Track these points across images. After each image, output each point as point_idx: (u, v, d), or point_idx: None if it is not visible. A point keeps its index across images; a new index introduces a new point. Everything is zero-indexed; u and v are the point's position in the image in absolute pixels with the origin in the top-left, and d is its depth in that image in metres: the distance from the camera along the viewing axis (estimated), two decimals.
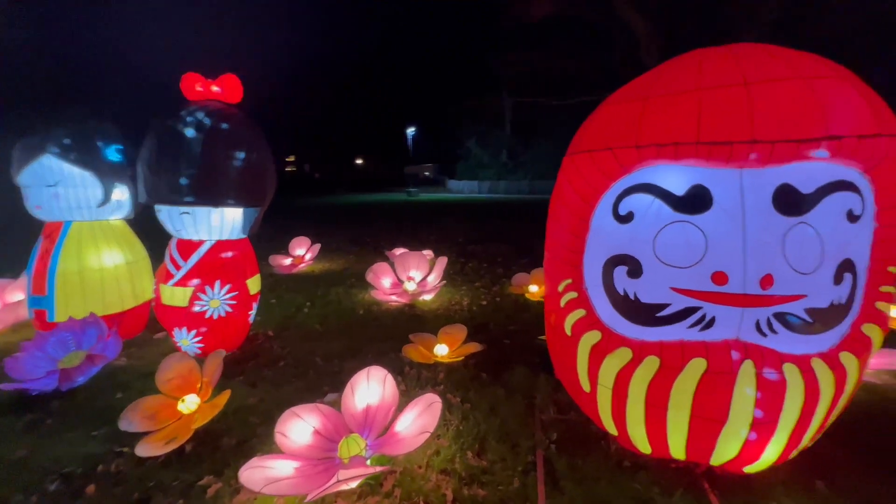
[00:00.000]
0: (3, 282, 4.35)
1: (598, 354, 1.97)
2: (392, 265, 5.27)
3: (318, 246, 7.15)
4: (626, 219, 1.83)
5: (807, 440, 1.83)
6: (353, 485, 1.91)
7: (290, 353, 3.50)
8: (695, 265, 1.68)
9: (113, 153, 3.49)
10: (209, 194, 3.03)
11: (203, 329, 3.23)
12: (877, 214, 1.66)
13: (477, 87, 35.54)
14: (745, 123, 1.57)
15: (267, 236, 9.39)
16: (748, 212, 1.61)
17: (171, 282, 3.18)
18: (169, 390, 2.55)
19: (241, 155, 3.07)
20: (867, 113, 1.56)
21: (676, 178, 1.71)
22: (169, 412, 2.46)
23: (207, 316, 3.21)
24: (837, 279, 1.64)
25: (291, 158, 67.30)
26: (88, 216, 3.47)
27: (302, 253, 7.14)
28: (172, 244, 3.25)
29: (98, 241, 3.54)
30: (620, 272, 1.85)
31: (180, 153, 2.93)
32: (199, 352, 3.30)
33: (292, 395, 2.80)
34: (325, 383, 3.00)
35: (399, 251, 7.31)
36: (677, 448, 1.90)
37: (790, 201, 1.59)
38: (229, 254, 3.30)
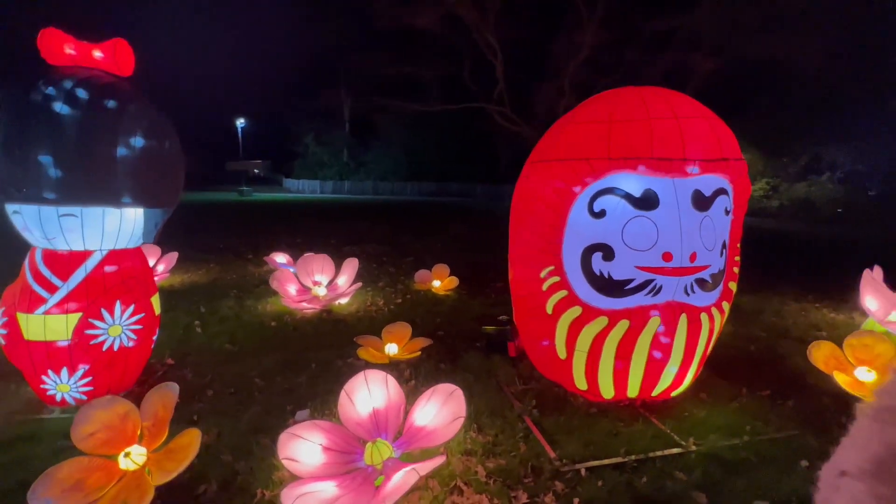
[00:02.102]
0: None
1: (577, 326, 2.43)
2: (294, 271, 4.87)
3: (174, 255, 5.93)
4: (599, 215, 2.33)
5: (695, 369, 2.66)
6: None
7: (214, 380, 2.97)
8: (650, 248, 2.27)
9: None
10: (110, 190, 2.36)
11: (92, 367, 2.48)
12: (734, 210, 2.55)
13: (313, 83, 33.76)
14: (679, 146, 2.22)
15: None
16: (680, 209, 2.27)
17: (42, 309, 2.34)
18: (93, 448, 1.94)
19: (151, 141, 2.49)
20: (734, 143, 2.40)
21: (635, 183, 2.28)
22: (102, 474, 1.89)
23: (106, 348, 2.48)
24: (720, 253, 2.47)
25: None
26: None
27: (152, 264, 5.81)
28: (37, 258, 2.40)
29: None
30: (597, 257, 2.34)
31: (77, 138, 2.22)
32: (83, 398, 2.52)
33: (256, 422, 2.46)
34: (283, 402, 2.70)
35: (279, 256, 6.70)
36: (633, 388, 2.51)
37: (700, 201, 2.32)
38: (127, 266, 2.62)
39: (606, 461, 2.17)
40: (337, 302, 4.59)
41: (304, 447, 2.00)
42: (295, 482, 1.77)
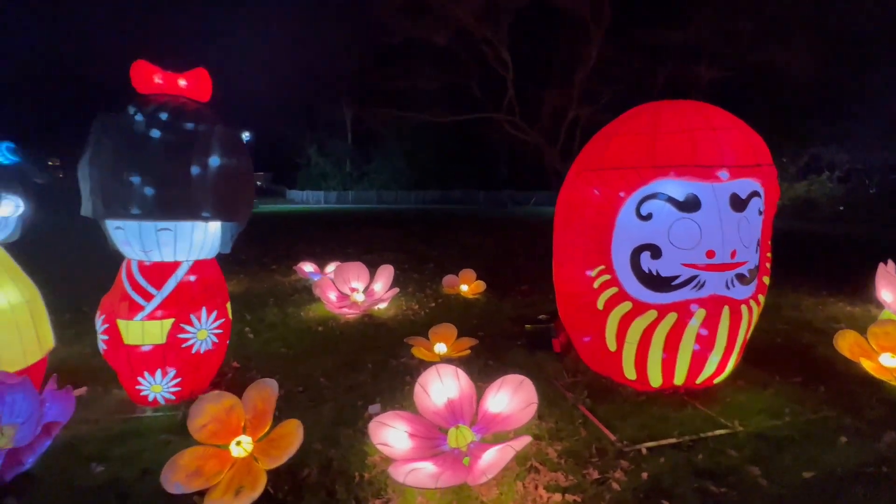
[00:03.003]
0: None
1: (627, 320, 2.65)
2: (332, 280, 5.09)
3: None
4: (646, 218, 2.56)
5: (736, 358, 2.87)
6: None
7: (282, 381, 3.15)
8: (695, 247, 2.50)
9: (2, 153, 2.58)
10: (194, 205, 2.59)
11: (181, 369, 2.70)
12: (765, 211, 2.79)
13: (315, 96, 34.20)
14: (718, 154, 2.46)
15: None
16: (720, 210, 2.51)
17: (140, 315, 2.57)
18: (205, 438, 2.15)
19: (234, 161, 2.73)
20: (765, 150, 2.65)
21: (678, 189, 2.52)
22: (216, 462, 2.09)
23: (194, 351, 2.70)
24: (755, 250, 2.70)
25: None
26: None
27: None
28: (133, 269, 2.62)
29: None
30: (646, 256, 2.57)
31: (168, 158, 2.46)
32: (172, 398, 2.73)
33: (333, 415, 2.67)
34: (352, 398, 2.91)
35: (306, 265, 6.93)
36: (680, 376, 2.72)
37: (737, 203, 2.56)
38: (210, 275, 2.84)
39: (664, 441, 2.38)
40: (376, 307, 4.80)
41: (392, 434, 2.22)
42: (396, 463, 1.97)
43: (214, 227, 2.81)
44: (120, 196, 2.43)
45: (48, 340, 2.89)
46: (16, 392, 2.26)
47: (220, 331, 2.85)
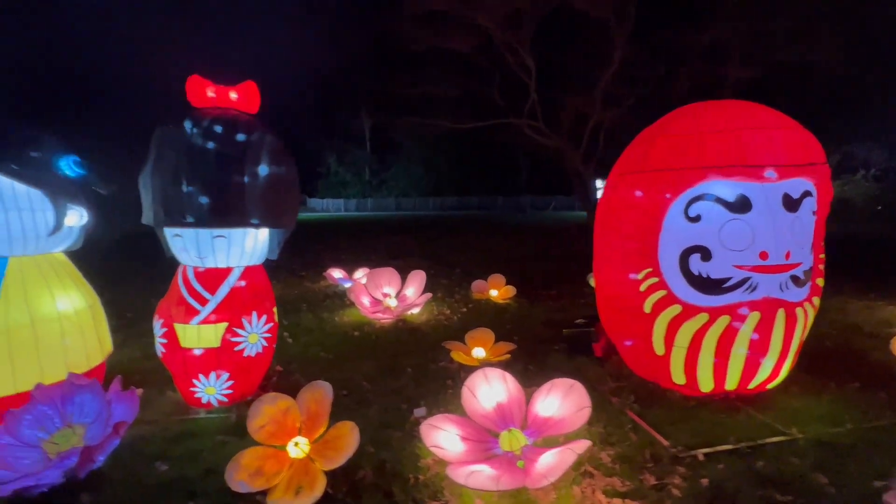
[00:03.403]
0: None
1: (676, 323, 2.61)
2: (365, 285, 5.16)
3: None
4: (695, 219, 2.53)
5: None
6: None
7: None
8: (747, 248, 2.46)
9: (69, 166, 2.72)
10: (244, 213, 2.68)
11: (233, 372, 2.78)
12: (818, 211, 2.72)
13: (333, 105, 34.89)
14: (769, 154, 2.42)
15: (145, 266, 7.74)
16: (773, 211, 2.45)
17: (197, 319, 2.66)
18: (263, 438, 2.21)
19: (282, 170, 2.82)
20: (819, 149, 2.59)
21: (728, 189, 2.48)
22: (275, 462, 2.15)
23: (245, 354, 2.78)
24: (809, 251, 2.62)
25: None
26: (33, 249, 2.61)
27: None
28: (189, 275, 2.72)
29: (49, 280, 2.68)
30: (695, 258, 2.53)
31: (222, 169, 2.56)
32: (225, 400, 2.81)
33: (380, 418, 2.70)
34: (396, 402, 2.94)
35: (335, 271, 7.04)
36: (732, 381, 2.66)
37: (790, 203, 2.50)
38: (259, 280, 2.93)
39: (720, 448, 2.32)
40: (409, 312, 4.84)
41: (444, 436, 2.23)
42: (452, 465, 1.98)
43: (263, 233, 2.90)
44: (179, 205, 2.54)
45: (107, 344, 3.02)
46: (85, 393, 2.38)
47: (269, 335, 2.93)
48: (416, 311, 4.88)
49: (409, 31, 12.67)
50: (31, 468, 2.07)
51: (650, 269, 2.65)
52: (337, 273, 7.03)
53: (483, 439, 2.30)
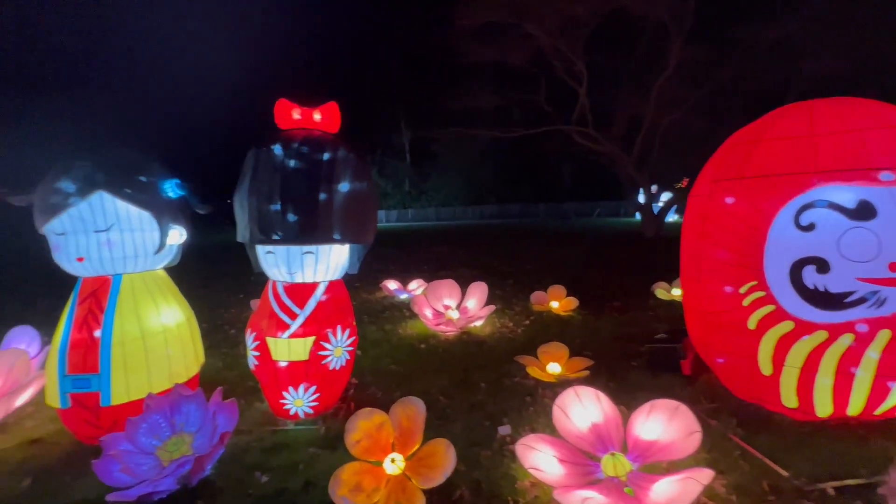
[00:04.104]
0: None
1: (787, 341, 2.40)
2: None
3: None
4: (808, 228, 2.32)
5: None
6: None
7: (402, 397, 3.23)
8: (873, 259, 2.22)
9: (172, 188, 2.91)
10: (328, 229, 2.75)
11: (320, 385, 2.84)
12: None
13: (373, 119, 35.93)
14: (894, 155, 2.19)
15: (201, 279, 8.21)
16: None
17: (287, 333, 2.75)
18: (359, 453, 2.23)
19: (363, 186, 2.88)
20: None
21: (847, 195, 2.26)
22: (372, 478, 2.15)
23: (331, 367, 2.84)
24: None
25: None
26: (141, 266, 2.81)
27: None
28: (279, 290, 2.83)
29: (155, 295, 2.87)
30: (810, 270, 2.32)
31: (311, 187, 2.65)
32: (311, 412, 2.87)
33: (465, 436, 2.66)
34: (478, 418, 2.88)
35: (390, 283, 7.13)
36: (856, 406, 2.40)
37: None
38: (341, 295, 2.99)
39: (850, 482, 2.09)
40: (472, 324, 4.80)
41: (541, 458, 2.15)
42: (560, 490, 1.90)
43: (345, 248, 2.97)
44: (271, 223, 2.64)
45: (201, 355, 3.18)
46: (191, 403, 2.50)
47: (351, 348, 2.98)
48: (479, 323, 4.83)
49: (457, 44, 12.81)
50: (148, 474, 2.19)
51: (754, 283, 2.46)
52: (392, 284, 7.12)
53: (581, 462, 2.20)
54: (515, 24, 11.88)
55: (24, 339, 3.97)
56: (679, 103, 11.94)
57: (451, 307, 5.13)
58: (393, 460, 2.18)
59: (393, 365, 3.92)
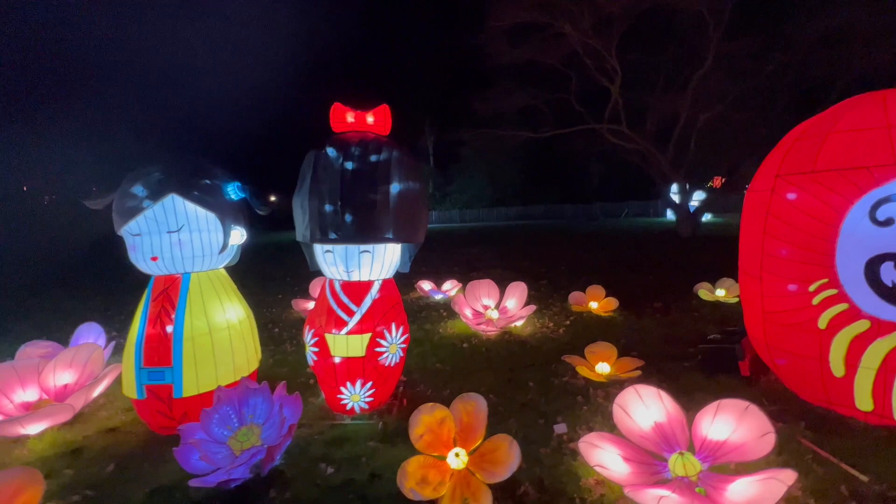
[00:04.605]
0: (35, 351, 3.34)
1: (862, 341, 2.31)
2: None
3: None
4: (885, 223, 2.23)
5: None
6: None
7: (451, 396, 3.26)
8: None
9: (234, 191, 3.04)
10: (381, 229, 2.81)
11: (376, 381, 2.90)
12: None
13: (397, 121, 36.22)
14: None
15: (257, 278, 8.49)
16: None
17: (345, 330, 2.83)
18: (423, 447, 2.27)
19: (418, 187, 2.94)
20: None
21: None
22: (436, 471, 2.19)
23: (387, 364, 2.90)
24: None
25: None
26: (207, 265, 2.95)
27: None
28: (336, 288, 2.91)
29: (219, 293, 3.01)
30: (888, 267, 2.23)
31: (367, 188, 2.72)
32: (366, 407, 2.94)
33: (523, 433, 2.66)
34: (531, 417, 2.89)
35: (425, 283, 7.19)
36: None
37: None
38: (393, 293, 3.05)
39: None
40: (512, 324, 4.79)
41: (606, 456, 2.14)
42: (630, 488, 1.89)
43: (398, 247, 3.03)
44: (331, 223, 2.73)
45: (258, 351, 3.31)
46: (257, 396, 2.60)
47: (404, 345, 3.04)
48: (519, 323, 4.82)
49: (487, 45, 12.80)
50: (223, 463, 2.29)
51: (825, 280, 2.38)
52: (426, 285, 7.18)
53: (646, 461, 2.18)
54: (547, 24, 11.76)
55: (91, 334, 4.22)
56: (717, 99, 11.53)
57: (490, 307, 5.14)
58: (457, 455, 2.21)
59: (438, 363, 3.96)
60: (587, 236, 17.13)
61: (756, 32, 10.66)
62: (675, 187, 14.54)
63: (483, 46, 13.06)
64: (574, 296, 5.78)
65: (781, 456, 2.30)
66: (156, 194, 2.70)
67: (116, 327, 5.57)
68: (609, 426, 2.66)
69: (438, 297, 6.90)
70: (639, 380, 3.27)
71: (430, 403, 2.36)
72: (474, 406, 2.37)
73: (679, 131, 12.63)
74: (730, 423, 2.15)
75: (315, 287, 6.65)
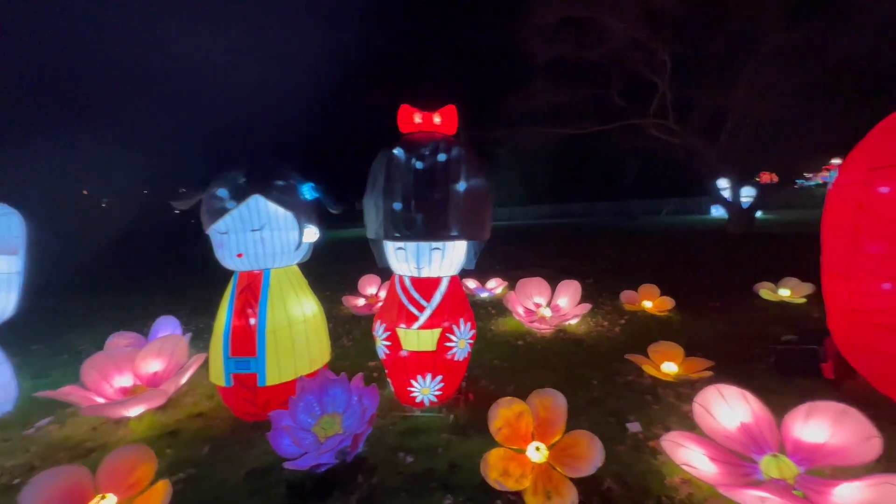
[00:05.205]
0: (120, 341, 3.64)
1: None
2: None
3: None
4: None
5: None
6: None
7: (516, 392, 3.28)
8: None
9: (309, 190, 3.19)
10: (453, 226, 2.86)
11: (445, 375, 2.97)
12: None
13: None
14: None
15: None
16: None
17: (417, 324, 2.91)
18: (502, 440, 2.32)
19: (484, 186, 2.98)
20: None
21: None
22: (517, 464, 2.22)
23: (456, 358, 2.97)
24: None
25: None
26: (285, 262, 3.10)
27: (374, 292, 6.78)
28: (406, 283, 3.00)
29: (295, 288, 3.17)
30: None
31: (437, 187, 2.78)
32: (435, 400, 3.01)
33: (596, 431, 2.63)
34: (600, 415, 2.87)
35: (469, 282, 7.23)
36: None
37: None
38: (457, 289, 3.11)
39: None
40: (566, 322, 4.76)
41: (693, 456, 2.11)
42: (726, 488, 1.85)
43: (464, 244, 3.08)
44: (404, 221, 2.81)
45: (328, 344, 3.45)
46: (337, 386, 2.72)
47: (472, 340, 3.09)
48: (573, 321, 4.78)
49: (527, 42, 12.68)
50: (310, 448, 2.42)
51: None
52: (471, 283, 7.23)
53: (734, 462, 2.13)
54: (591, 19, 11.52)
55: (168, 326, 4.54)
56: (774, 90, 10.90)
57: (541, 305, 5.13)
58: (538, 448, 2.24)
59: (496, 360, 4.00)
60: (627, 234, 16.67)
61: (818, 18, 10.00)
62: (722, 183, 13.87)
63: (520, 44, 12.93)
64: (626, 294, 5.66)
65: (880, 463, 2.18)
66: (241, 195, 2.87)
67: (183, 320, 5.94)
68: (686, 426, 2.62)
69: (484, 294, 6.94)
70: (710, 380, 3.18)
71: (508, 397, 2.40)
72: (551, 401, 2.39)
73: (731, 125, 12.03)
74: (825, 427, 2.07)
75: (364, 285, 6.84)
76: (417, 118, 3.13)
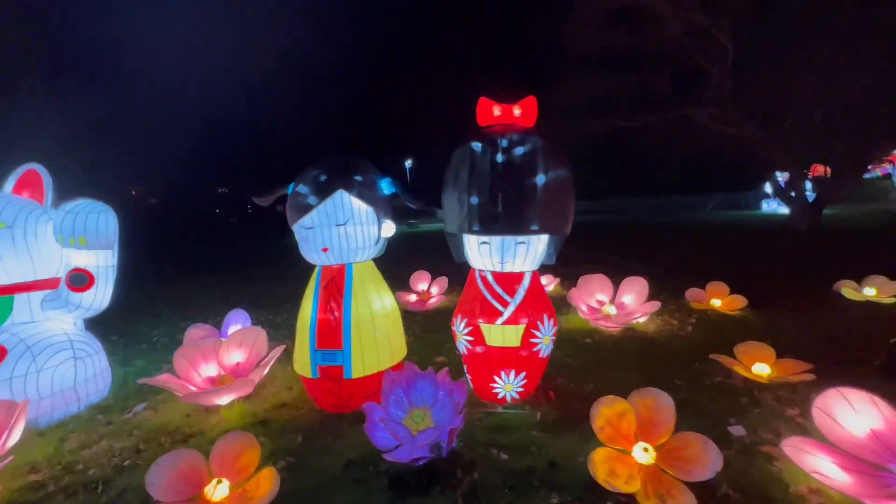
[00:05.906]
0: (200, 332, 3.80)
1: None
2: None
3: (444, 279, 6.81)
4: None
5: None
6: None
7: (597, 391, 3.19)
8: None
9: (388, 186, 3.20)
10: (533, 220, 2.80)
11: (529, 371, 2.92)
12: None
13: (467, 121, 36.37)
14: None
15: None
16: None
17: (501, 320, 2.88)
18: (605, 439, 2.24)
19: (561, 176, 2.89)
20: None
21: None
22: (622, 465, 2.14)
23: (541, 355, 2.91)
24: None
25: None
26: (365, 256, 3.13)
27: (425, 287, 6.80)
28: (489, 278, 2.97)
29: (376, 282, 3.20)
30: None
31: (520, 181, 2.73)
32: (517, 397, 2.97)
33: (696, 430, 2.54)
34: (696, 415, 2.74)
35: None
36: None
37: None
38: (538, 285, 3.05)
39: None
40: (633, 320, 4.60)
41: (822, 464, 1.97)
42: (870, 500, 1.72)
43: (545, 239, 3.01)
44: (489, 215, 2.77)
45: (404, 338, 3.47)
46: (424, 380, 2.72)
47: (554, 337, 3.02)
48: (641, 319, 4.62)
49: (576, 32, 12.32)
50: (405, 440, 2.43)
51: None
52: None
53: (869, 472, 1.97)
54: (643, 6, 11.07)
55: (239, 319, 4.69)
56: (848, 77, 10.08)
57: (604, 302, 4.99)
58: (645, 449, 2.15)
59: (567, 358, 3.90)
60: (675, 230, 16.04)
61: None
62: (781, 176, 13.04)
63: (564, 35, 12.57)
64: (692, 292, 5.42)
65: None
66: (325, 191, 2.92)
67: None
68: (795, 431, 2.47)
69: (571, 290, 6.81)
70: (814, 384, 2.99)
71: (611, 396, 2.32)
72: (654, 401, 2.30)
73: (797, 113, 11.25)
74: None
75: (416, 280, 6.87)
76: (497, 111, 3.08)
